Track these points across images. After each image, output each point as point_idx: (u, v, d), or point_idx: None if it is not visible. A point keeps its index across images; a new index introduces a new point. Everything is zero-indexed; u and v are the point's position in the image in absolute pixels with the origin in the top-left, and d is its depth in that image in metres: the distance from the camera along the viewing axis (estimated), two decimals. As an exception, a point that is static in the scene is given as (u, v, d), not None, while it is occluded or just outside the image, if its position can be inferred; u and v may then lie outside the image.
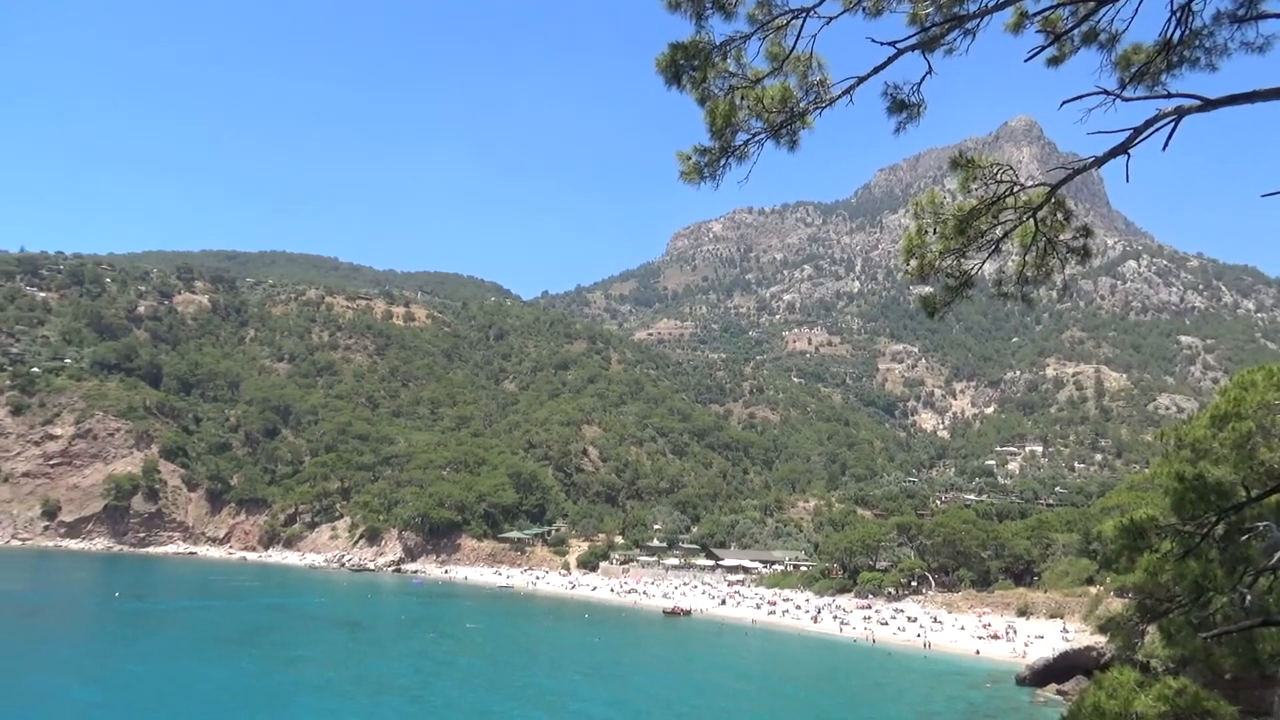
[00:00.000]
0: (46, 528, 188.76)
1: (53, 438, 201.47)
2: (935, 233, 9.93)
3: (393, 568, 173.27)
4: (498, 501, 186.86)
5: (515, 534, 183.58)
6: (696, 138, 9.60)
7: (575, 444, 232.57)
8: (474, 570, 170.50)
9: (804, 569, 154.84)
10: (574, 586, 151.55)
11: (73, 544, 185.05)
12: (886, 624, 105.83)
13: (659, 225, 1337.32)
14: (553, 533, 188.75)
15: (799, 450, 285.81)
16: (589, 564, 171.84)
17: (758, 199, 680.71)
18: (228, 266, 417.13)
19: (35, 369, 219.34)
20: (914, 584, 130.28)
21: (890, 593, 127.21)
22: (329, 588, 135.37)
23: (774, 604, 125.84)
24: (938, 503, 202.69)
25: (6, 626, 78.54)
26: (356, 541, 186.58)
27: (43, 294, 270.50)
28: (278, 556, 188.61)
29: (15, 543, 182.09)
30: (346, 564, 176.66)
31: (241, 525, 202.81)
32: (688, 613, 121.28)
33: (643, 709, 54.87)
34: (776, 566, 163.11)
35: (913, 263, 10.10)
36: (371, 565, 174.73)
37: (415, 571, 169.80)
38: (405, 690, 56.86)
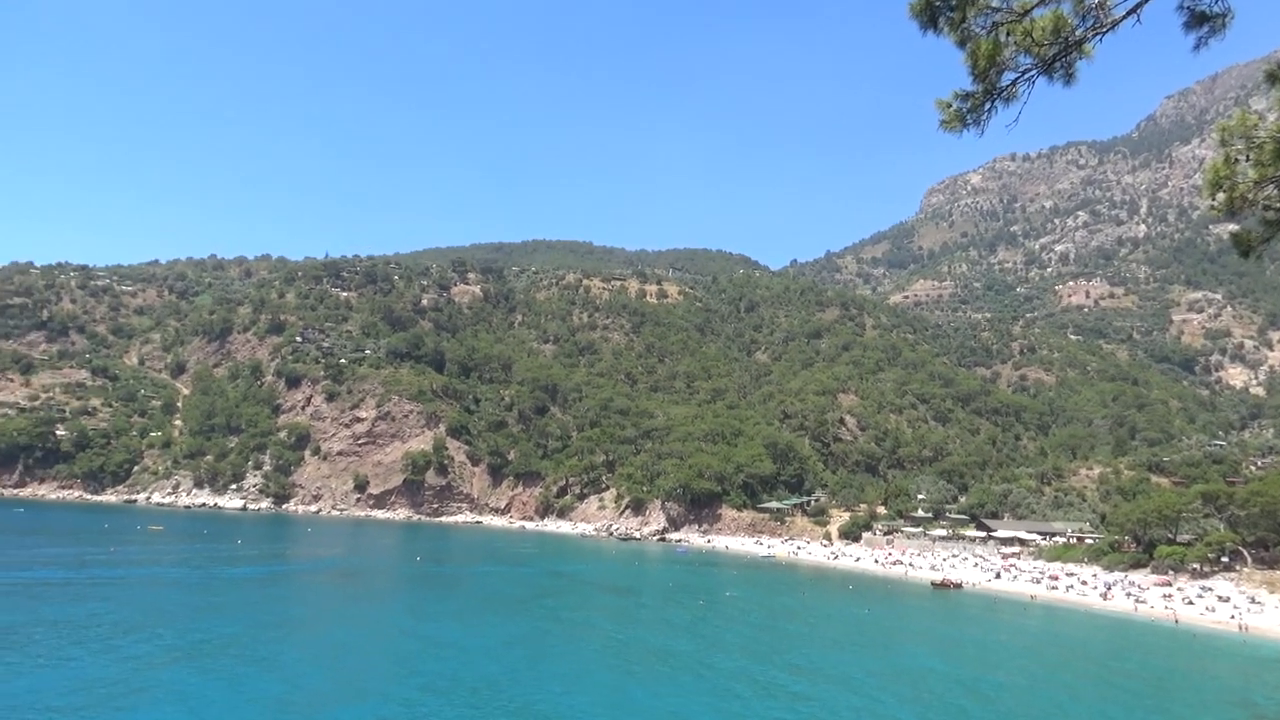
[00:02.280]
0: (358, 499, 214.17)
1: (359, 420, 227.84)
2: (1248, 160, 8.61)
3: (657, 536, 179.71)
4: (755, 472, 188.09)
5: (774, 504, 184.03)
6: (952, 85, 8.93)
7: (831, 413, 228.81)
8: (735, 540, 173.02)
9: (1089, 541, 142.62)
10: (836, 557, 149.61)
11: (379, 514, 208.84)
12: (1192, 603, 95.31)
13: (910, 183, 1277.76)
14: (812, 503, 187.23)
15: (1079, 413, 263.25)
16: (850, 534, 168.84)
17: (1021, 144, 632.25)
18: (495, 258, 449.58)
19: (343, 360, 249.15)
20: (1224, 559, 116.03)
21: (1195, 569, 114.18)
22: (599, 555, 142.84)
23: (1056, 578, 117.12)
24: (1252, 469, 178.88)
25: (335, 586, 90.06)
26: (622, 511, 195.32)
27: (345, 293, 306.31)
28: (552, 525, 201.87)
29: (334, 512, 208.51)
30: (614, 533, 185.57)
31: (519, 496, 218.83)
32: (958, 586, 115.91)
33: (935, 686, 53.10)
34: (1056, 539, 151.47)
35: (1219, 196, 8.82)
36: (637, 534, 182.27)
37: (679, 540, 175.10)
38: (686, 657, 58.73)
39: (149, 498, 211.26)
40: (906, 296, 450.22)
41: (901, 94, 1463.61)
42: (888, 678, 54.68)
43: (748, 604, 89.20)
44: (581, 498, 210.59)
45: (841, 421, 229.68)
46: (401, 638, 60.78)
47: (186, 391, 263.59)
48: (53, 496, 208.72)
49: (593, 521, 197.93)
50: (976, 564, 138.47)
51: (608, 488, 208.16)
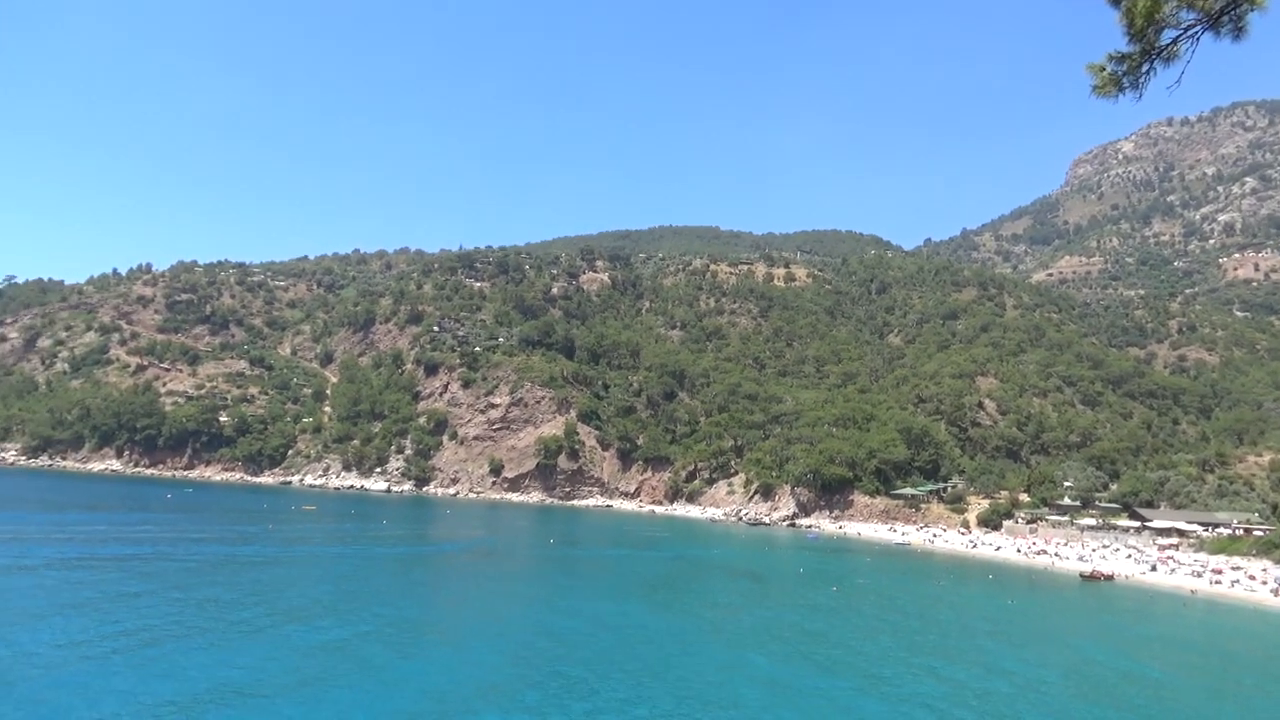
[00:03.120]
0: (494, 483, 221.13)
1: (493, 406, 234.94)
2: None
3: (787, 522, 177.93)
4: (889, 458, 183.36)
5: (909, 490, 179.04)
6: (1103, 48, 8.25)
7: (969, 397, 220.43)
8: (868, 526, 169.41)
9: (1258, 534, 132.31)
10: (975, 545, 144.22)
11: (514, 496, 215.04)
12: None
13: (1054, 154, 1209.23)
14: (949, 489, 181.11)
15: (1246, 395, 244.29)
16: (990, 522, 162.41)
17: (1179, 107, 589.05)
18: (622, 245, 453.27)
19: (477, 348, 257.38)
20: None
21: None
22: (728, 540, 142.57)
23: (1219, 572, 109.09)
24: None
25: (474, 566, 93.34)
26: (751, 497, 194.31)
27: (478, 284, 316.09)
28: (681, 510, 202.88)
29: (471, 495, 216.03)
30: (743, 518, 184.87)
31: (649, 481, 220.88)
32: (1109, 577, 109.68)
33: (1100, 677, 50.59)
34: (1220, 530, 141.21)
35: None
36: (767, 519, 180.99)
37: (809, 526, 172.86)
38: (824, 642, 57.97)
39: (302, 479, 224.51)
40: (1050, 274, 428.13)
41: (1042, 61, 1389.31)
42: (1045, 668, 52.31)
43: (884, 591, 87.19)
44: (710, 482, 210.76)
45: (980, 405, 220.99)
46: (547, 617, 62.22)
47: (334, 380, 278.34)
48: (217, 478, 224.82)
49: (721, 506, 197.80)
50: (1129, 555, 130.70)
51: (736, 473, 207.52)
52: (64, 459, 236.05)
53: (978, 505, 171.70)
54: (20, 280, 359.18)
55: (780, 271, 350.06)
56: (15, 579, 60.33)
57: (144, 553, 78.60)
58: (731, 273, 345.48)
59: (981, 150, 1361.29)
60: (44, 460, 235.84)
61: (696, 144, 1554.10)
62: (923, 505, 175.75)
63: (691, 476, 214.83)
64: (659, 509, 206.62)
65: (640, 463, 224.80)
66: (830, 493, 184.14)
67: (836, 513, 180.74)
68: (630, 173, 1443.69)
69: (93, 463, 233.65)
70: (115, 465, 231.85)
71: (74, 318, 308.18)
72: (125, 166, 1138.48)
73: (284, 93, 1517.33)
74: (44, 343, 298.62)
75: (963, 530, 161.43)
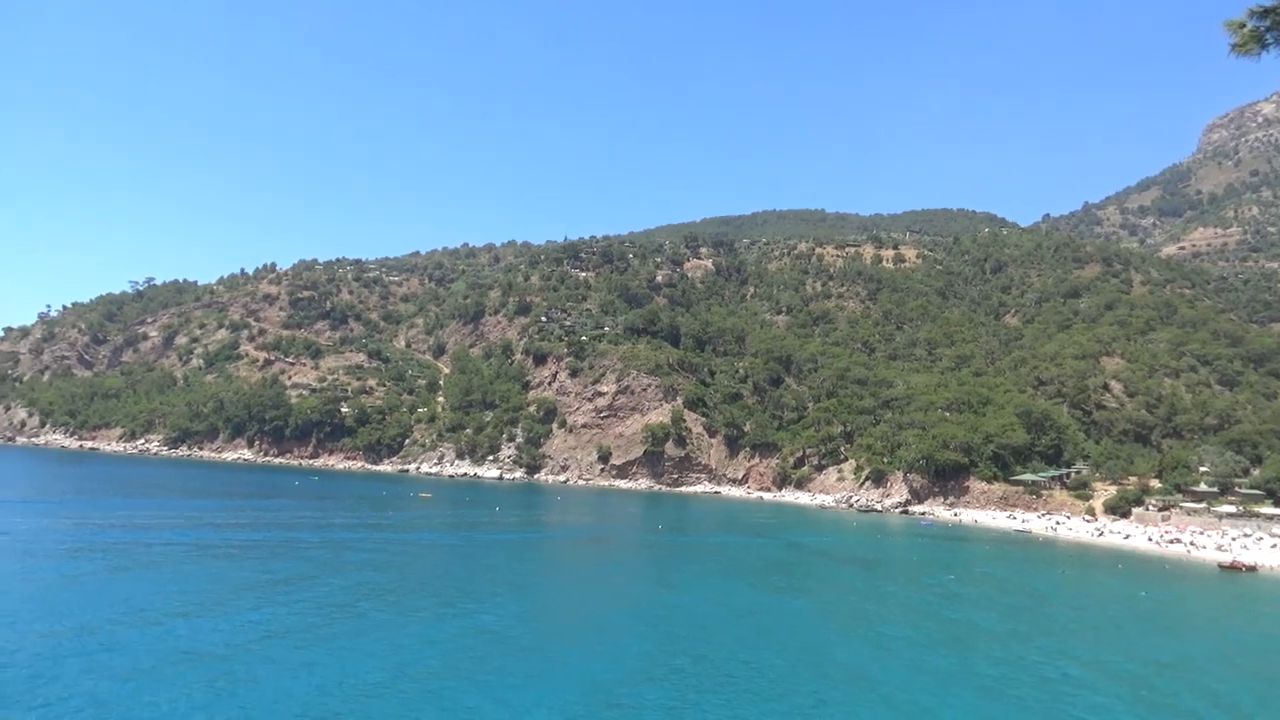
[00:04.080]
0: (602, 470, 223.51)
1: (600, 394, 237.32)
2: None
3: (899, 509, 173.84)
4: (1006, 442, 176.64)
5: (1029, 476, 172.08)
6: (1236, 7, 7.37)
7: (1093, 378, 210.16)
8: (984, 513, 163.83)
9: None
10: (1100, 534, 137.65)
11: (622, 484, 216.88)
12: None
13: (1183, 120, 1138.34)
14: (1072, 475, 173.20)
15: None
16: (1118, 509, 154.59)
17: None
18: (726, 231, 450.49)
19: (584, 337, 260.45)
20: None
21: None
22: (839, 527, 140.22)
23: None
24: None
25: (585, 551, 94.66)
26: (862, 483, 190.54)
27: (584, 273, 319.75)
28: (790, 496, 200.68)
29: (580, 482, 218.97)
30: (854, 504, 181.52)
31: (756, 467, 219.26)
32: (1252, 568, 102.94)
33: (1254, 667, 47.69)
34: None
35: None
36: (878, 506, 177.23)
37: (923, 513, 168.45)
38: (941, 632, 56.38)
39: (419, 467, 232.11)
40: (1182, 247, 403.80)
41: (1170, 20, 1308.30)
42: (1195, 658, 49.44)
43: (1004, 580, 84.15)
44: (819, 469, 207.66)
45: (1105, 387, 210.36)
46: (658, 603, 62.52)
47: (447, 370, 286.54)
48: (340, 466, 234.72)
49: (831, 493, 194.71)
50: (1275, 545, 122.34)
51: (846, 459, 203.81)
52: (201, 449, 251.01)
53: (1104, 492, 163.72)
54: (159, 282, 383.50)
55: (889, 253, 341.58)
56: (184, 565, 64.26)
57: (282, 539, 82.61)
58: (838, 255, 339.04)
59: (1104, 118, 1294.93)
60: (183, 450, 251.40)
61: (801, 127, 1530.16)
62: (1044, 492, 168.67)
63: (800, 463, 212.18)
64: (767, 496, 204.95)
65: (747, 449, 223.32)
66: (944, 479, 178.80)
67: (951, 499, 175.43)
68: (733, 159, 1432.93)
69: (226, 452, 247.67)
70: (247, 455, 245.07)
71: (207, 316, 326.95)
72: (250, 172, 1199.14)
73: (395, 95, 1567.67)
74: (181, 340, 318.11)
75: (1088, 518, 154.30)
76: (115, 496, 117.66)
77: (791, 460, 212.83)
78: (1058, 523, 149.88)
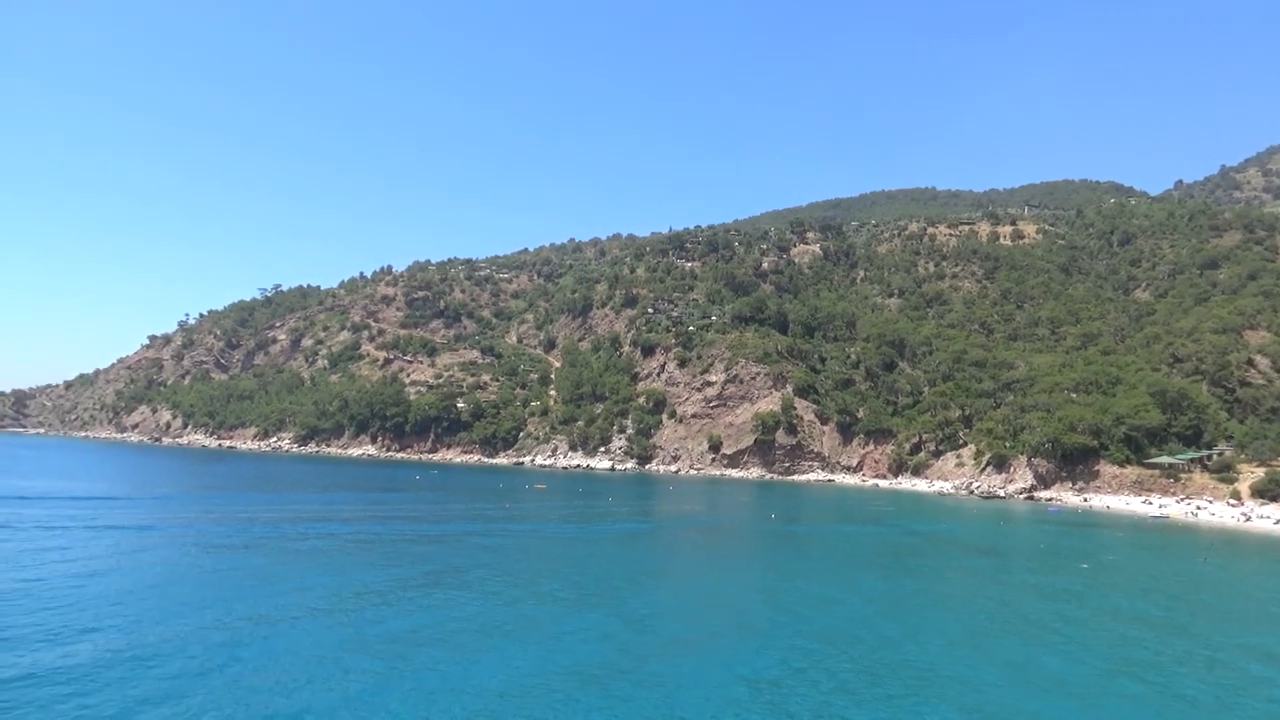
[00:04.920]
0: (713, 459, 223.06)
1: (709, 384, 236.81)
2: None
3: (1024, 495, 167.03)
4: (1139, 424, 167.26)
5: (1165, 459, 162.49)
6: None
7: (1236, 353, 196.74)
8: (1116, 499, 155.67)
9: None
10: (1247, 519, 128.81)
11: (733, 473, 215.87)
12: None
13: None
14: (1214, 457, 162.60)
15: None
16: (1268, 493, 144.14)
17: None
18: (833, 214, 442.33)
19: (691, 327, 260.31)
20: None
21: None
22: (959, 514, 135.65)
23: None
24: None
25: (702, 540, 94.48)
26: (983, 469, 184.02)
27: (689, 264, 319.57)
28: (906, 483, 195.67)
29: (692, 472, 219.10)
30: (974, 491, 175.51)
31: (871, 454, 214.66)
32: None
33: None
34: None
35: None
36: (1001, 492, 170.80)
37: (1050, 499, 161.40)
38: (1079, 623, 53.86)
39: (533, 460, 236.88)
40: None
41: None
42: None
43: (1143, 569, 79.64)
44: (937, 454, 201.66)
45: (1250, 363, 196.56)
46: (779, 592, 61.78)
47: (557, 364, 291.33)
48: (457, 460, 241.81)
49: (950, 479, 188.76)
50: None
51: (965, 444, 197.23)
52: (328, 445, 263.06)
53: (1251, 474, 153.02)
54: (285, 288, 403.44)
55: (1006, 229, 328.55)
56: (333, 556, 67.44)
57: (416, 532, 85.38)
58: (951, 234, 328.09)
59: (1241, 73, 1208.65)
60: (311, 447, 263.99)
61: (908, 101, 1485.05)
62: (1182, 475, 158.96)
63: (916, 449, 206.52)
64: (883, 483, 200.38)
65: (861, 436, 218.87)
66: (1072, 463, 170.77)
67: (1080, 484, 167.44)
68: (840, 139, 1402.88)
69: (351, 448, 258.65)
70: (370, 450, 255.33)
71: (330, 319, 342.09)
72: (365, 178, 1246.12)
73: (498, 95, 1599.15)
74: (306, 342, 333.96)
75: (1232, 502, 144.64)
76: (263, 492, 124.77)
77: (907, 446, 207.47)
78: (1198, 508, 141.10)
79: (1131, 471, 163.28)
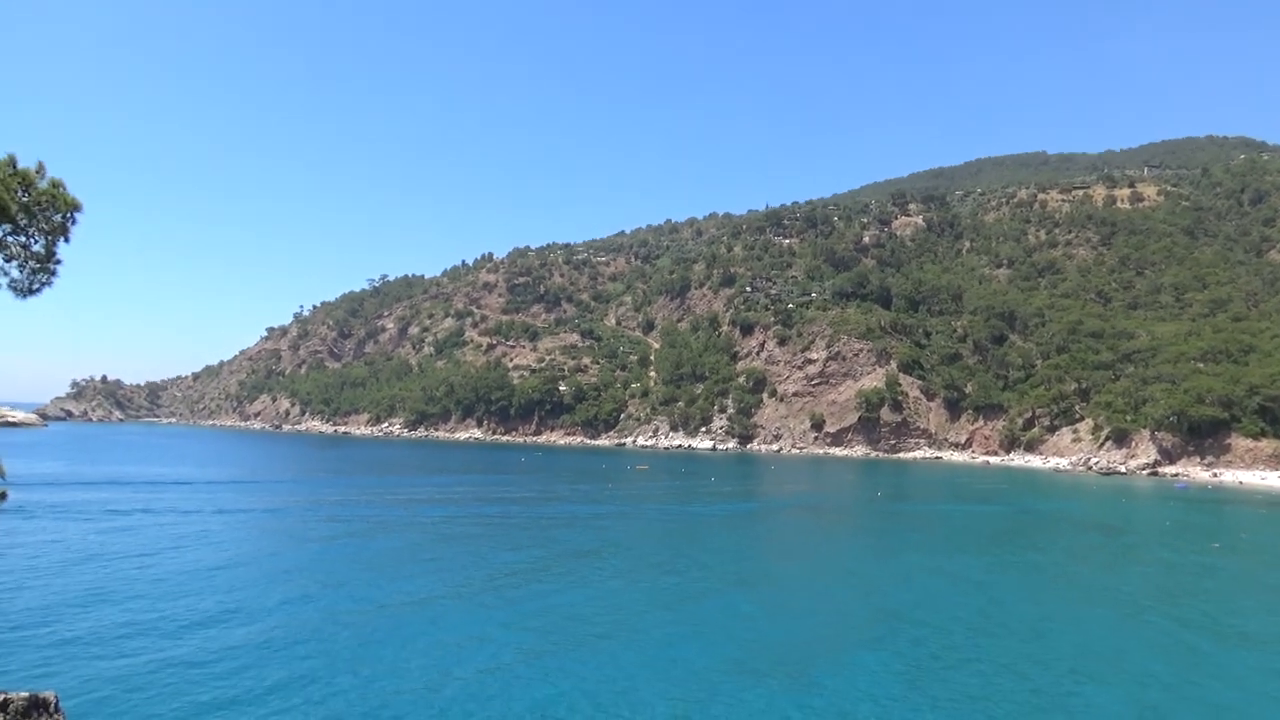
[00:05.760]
0: (815, 438, 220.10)
1: (810, 361, 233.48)
2: None
3: (1147, 471, 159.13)
4: (1276, 394, 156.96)
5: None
6: None
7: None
8: (1250, 473, 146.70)
9: None
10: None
11: (837, 451, 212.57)
12: None
13: None
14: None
15: None
16: None
17: None
18: (936, 184, 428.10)
19: (790, 305, 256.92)
20: None
21: None
22: (1077, 491, 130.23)
23: None
24: None
25: (801, 521, 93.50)
26: (1101, 444, 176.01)
27: (787, 240, 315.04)
28: (1019, 460, 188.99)
29: (795, 451, 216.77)
30: (1093, 467, 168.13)
31: (980, 430, 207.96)
32: None
33: None
34: None
35: None
36: (1121, 468, 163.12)
37: (1176, 475, 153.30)
38: (1206, 604, 51.14)
39: (634, 441, 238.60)
40: None
41: None
42: None
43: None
44: (1051, 430, 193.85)
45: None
46: (911, 572, 60.74)
47: (657, 345, 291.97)
48: (561, 442, 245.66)
49: (1066, 455, 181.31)
50: None
51: (1082, 418, 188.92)
52: (436, 430, 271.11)
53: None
54: (392, 278, 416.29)
55: (1124, 192, 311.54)
56: (464, 542, 69.75)
57: (530, 514, 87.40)
58: (1064, 200, 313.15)
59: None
60: (421, 432, 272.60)
61: (1015, 61, 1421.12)
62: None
63: (1029, 424, 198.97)
64: (993, 460, 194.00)
65: (970, 412, 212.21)
66: (1200, 436, 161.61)
67: (1209, 459, 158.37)
68: (942, 105, 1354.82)
69: (459, 432, 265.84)
70: (477, 434, 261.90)
71: (434, 306, 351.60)
72: (466, 168, 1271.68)
73: (590, 88, 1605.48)
74: (413, 330, 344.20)
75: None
76: (381, 475, 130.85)
77: (1019, 422, 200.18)
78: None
79: (1268, 445, 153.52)
